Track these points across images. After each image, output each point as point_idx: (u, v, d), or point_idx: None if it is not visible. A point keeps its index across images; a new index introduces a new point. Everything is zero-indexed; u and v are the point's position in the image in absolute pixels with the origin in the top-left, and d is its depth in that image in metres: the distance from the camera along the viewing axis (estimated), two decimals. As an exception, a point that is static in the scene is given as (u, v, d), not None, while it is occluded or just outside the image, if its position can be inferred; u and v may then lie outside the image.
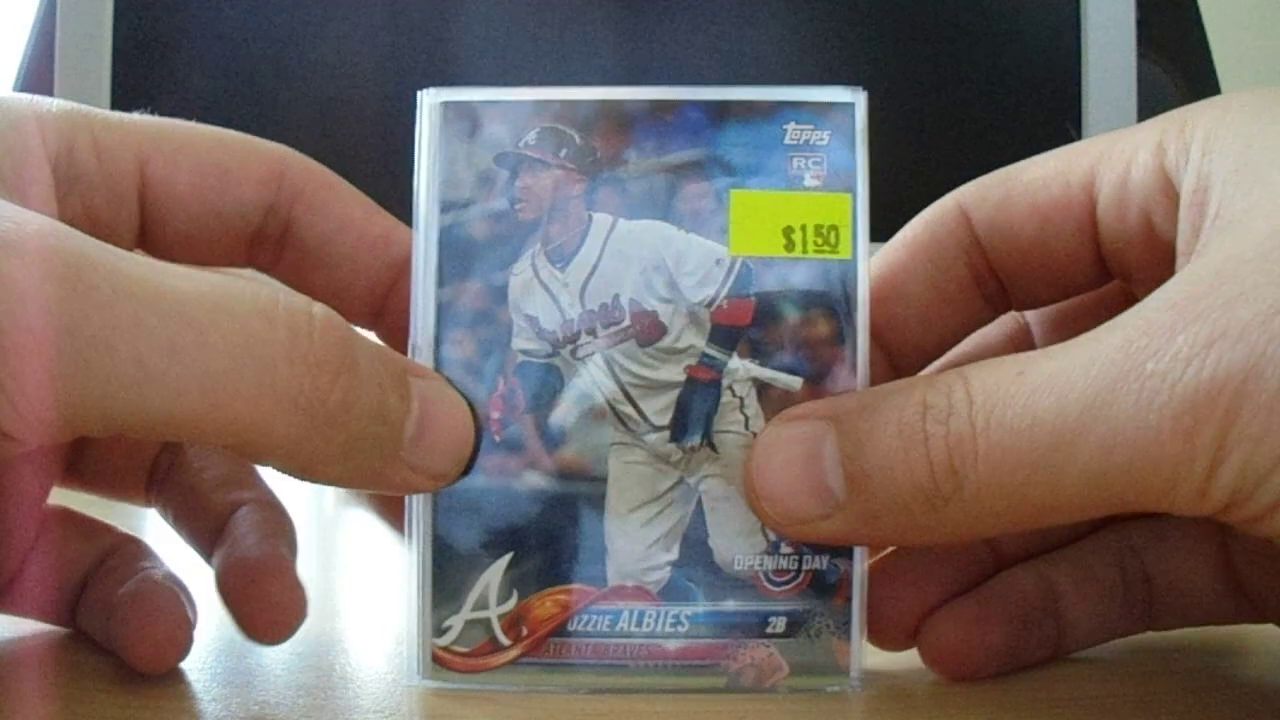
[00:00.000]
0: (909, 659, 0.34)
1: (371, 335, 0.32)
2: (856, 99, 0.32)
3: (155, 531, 0.37)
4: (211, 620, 0.33)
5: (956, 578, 0.34)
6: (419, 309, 0.31)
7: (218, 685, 0.32)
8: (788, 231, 0.31)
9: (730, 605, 0.31)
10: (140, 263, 0.26)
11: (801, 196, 0.31)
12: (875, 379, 0.31)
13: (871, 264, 0.32)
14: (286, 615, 0.33)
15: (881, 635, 0.33)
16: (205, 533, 0.35)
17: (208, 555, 0.35)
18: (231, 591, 0.33)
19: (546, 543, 0.31)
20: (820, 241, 0.31)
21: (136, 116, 0.33)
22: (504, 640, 0.31)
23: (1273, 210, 0.27)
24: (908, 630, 0.33)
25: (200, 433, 0.26)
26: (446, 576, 0.31)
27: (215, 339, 0.25)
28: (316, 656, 0.34)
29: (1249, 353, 0.25)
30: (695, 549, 0.31)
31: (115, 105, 0.60)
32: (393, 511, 0.33)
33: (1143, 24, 0.62)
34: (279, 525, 0.35)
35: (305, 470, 0.28)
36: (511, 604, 0.31)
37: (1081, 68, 0.62)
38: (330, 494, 0.44)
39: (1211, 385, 0.25)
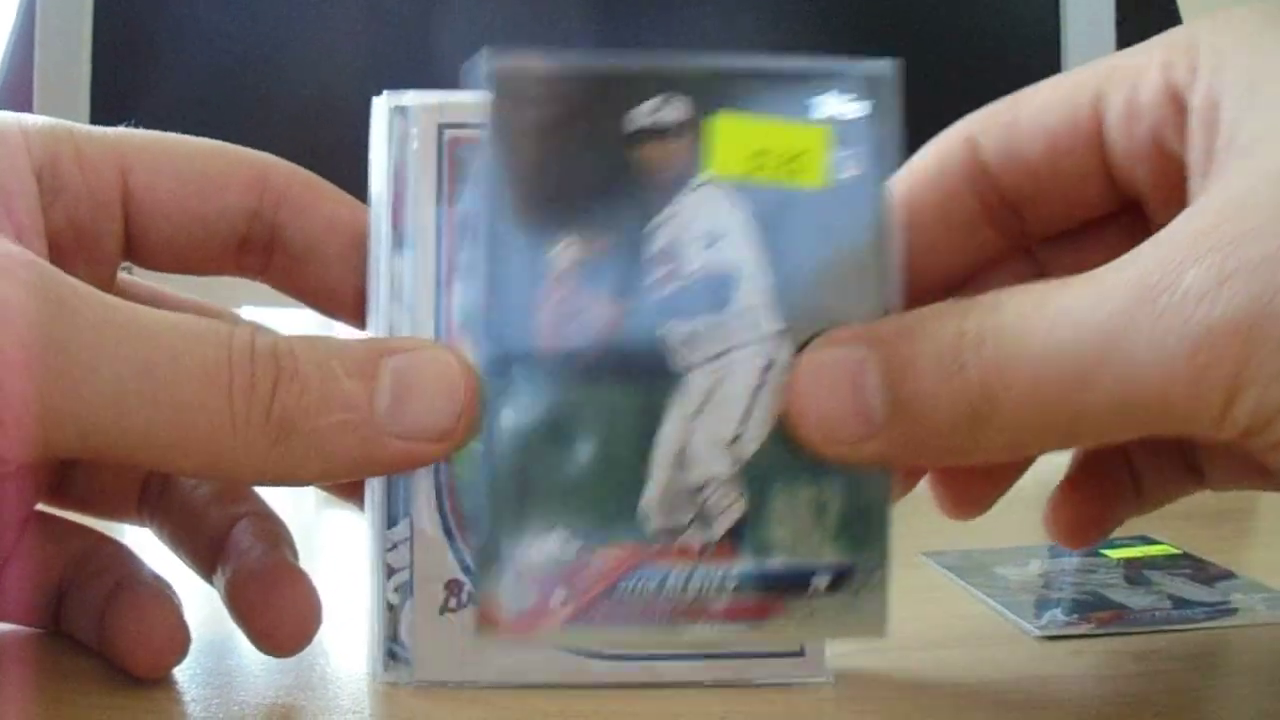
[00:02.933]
0: (886, 655, 0.34)
1: (370, 332, 0.33)
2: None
3: (132, 533, 0.37)
4: (190, 621, 0.33)
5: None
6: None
7: (196, 686, 0.32)
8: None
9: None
10: (115, 297, 0.28)
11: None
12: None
13: None
14: (304, 623, 0.33)
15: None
16: (204, 550, 0.35)
17: (208, 572, 0.35)
18: (243, 604, 0.33)
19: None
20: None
21: (118, 129, 0.33)
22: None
23: (1275, 140, 0.27)
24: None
25: (169, 455, 0.28)
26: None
27: (185, 364, 0.27)
28: (296, 658, 0.33)
29: (1262, 290, 0.25)
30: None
31: (95, 112, 0.60)
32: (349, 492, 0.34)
33: (1122, 24, 0.63)
34: (280, 535, 0.35)
35: (282, 478, 0.29)
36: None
37: (1062, 65, 0.62)
38: (310, 496, 0.44)
39: (1224, 323, 0.25)
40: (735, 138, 0.31)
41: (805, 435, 0.30)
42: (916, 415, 0.29)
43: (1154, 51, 0.31)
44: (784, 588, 0.31)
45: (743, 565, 0.31)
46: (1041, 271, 0.35)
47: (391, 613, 0.32)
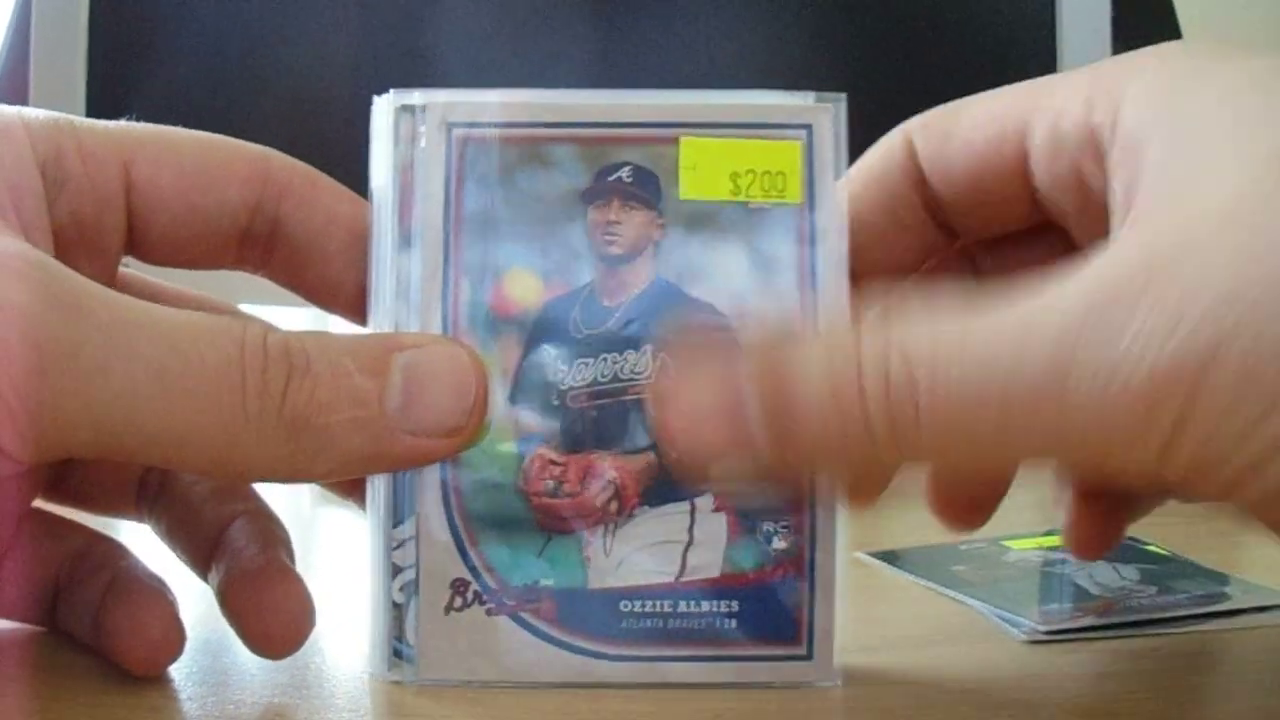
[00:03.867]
0: (887, 655, 0.34)
1: (373, 329, 0.33)
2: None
3: (128, 530, 0.37)
4: (185, 620, 0.33)
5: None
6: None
7: (192, 684, 0.32)
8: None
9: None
10: (127, 297, 0.28)
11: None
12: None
13: None
14: (297, 625, 0.32)
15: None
16: (200, 547, 0.35)
17: (203, 569, 0.35)
18: (236, 604, 0.33)
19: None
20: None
21: (119, 123, 0.33)
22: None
23: (1217, 177, 0.27)
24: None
25: (183, 453, 0.28)
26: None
27: (197, 363, 0.27)
28: (291, 656, 0.33)
29: (1208, 339, 0.24)
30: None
31: (91, 106, 0.60)
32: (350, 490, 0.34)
33: (1118, 23, 0.63)
34: (276, 535, 0.35)
35: (293, 476, 0.30)
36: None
37: (1057, 67, 0.62)
38: (307, 493, 0.44)
39: (1170, 371, 0.25)
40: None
41: (675, 462, 0.30)
42: (801, 446, 0.28)
43: (1079, 86, 0.31)
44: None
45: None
46: (978, 275, 0.36)
47: (396, 611, 0.32)
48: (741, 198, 0.32)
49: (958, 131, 0.33)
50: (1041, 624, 0.37)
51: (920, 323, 0.27)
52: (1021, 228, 0.34)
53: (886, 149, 0.34)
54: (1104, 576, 0.42)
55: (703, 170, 0.31)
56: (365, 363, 0.29)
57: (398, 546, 0.31)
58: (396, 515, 0.31)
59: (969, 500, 0.36)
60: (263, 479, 0.30)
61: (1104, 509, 0.36)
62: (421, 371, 0.30)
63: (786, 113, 0.32)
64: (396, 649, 0.32)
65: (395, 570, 0.31)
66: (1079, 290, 0.26)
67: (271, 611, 0.32)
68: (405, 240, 0.32)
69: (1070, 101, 0.31)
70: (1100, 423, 0.25)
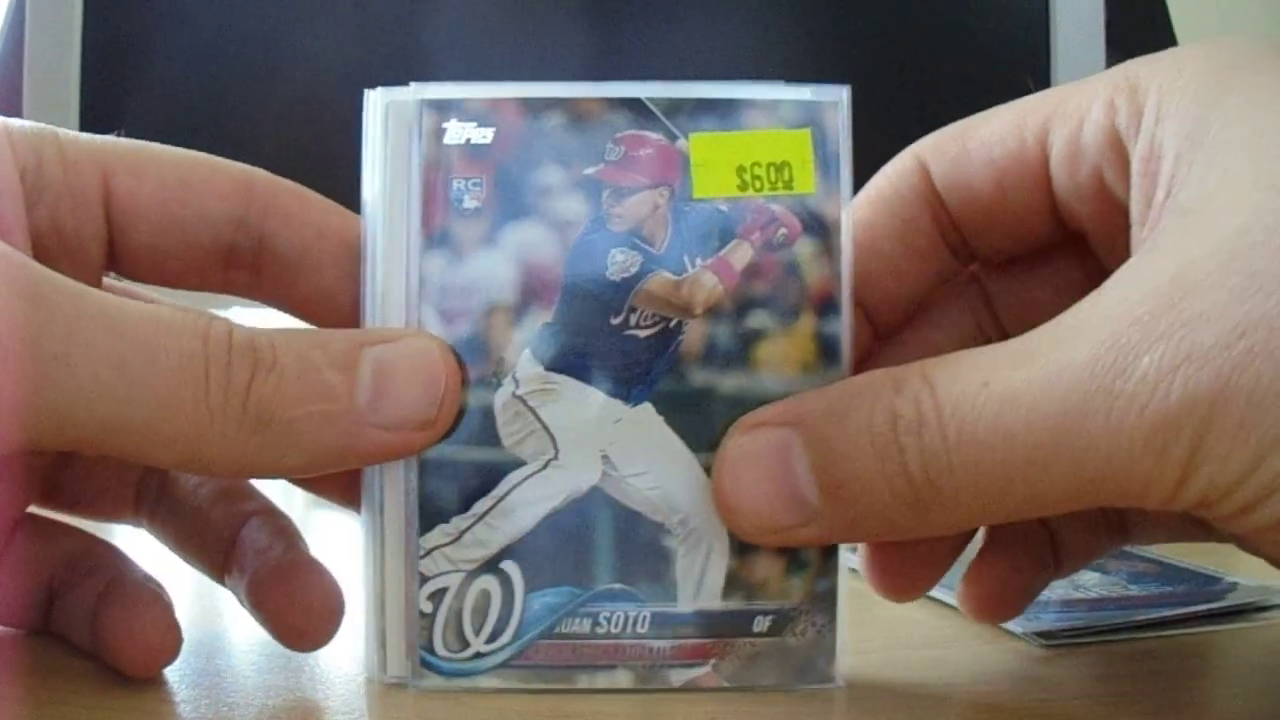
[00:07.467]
0: (884, 658, 0.34)
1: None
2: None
3: (122, 534, 0.37)
4: (181, 622, 0.33)
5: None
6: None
7: (187, 686, 0.32)
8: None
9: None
10: (93, 289, 0.28)
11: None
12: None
13: None
14: (332, 616, 0.33)
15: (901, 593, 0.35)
16: (214, 550, 0.35)
17: (219, 572, 0.35)
18: (269, 601, 0.33)
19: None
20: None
21: (102, 136, 0.33)
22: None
23: (1230, 202, 0.27)
24: (918, 589, 0.35)
25: (147, 446, 0.28)
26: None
27: (161, 356, 0.27)
28: (286, 657, 0.33)
29: (1215, 377, 0.25)
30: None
31: (84, 116, 0.60)
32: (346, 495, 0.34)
33: (1111, 24, 0.63)
34: (293, 532, 0.35)
35: (263, 470, 0.29)
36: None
37: (1051, 68, 0.62)
38: (300, 496, 0.44)
39: (1180, 409, 0.25)
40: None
41: (737, 526, 0.30)
42: (852, 500, 0.28)
43: (1100, 89, 0.31)
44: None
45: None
46: (988, 300, 0.36)
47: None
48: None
49: (974, 147, 0.33)
50: (1038, 627, 0.37)
51: (944, 372, 0.28)
52: (1039, 245, 0.34)
53: (895, 172, 0.34)
54: (1099, 580, 0.42)
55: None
56: (334, 357, 0.29)
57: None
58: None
59: (908, 576, 0.35)
60: (233, 473, 0.30)
61: (1009, 570, 0.35)
62: (391, 365, 0.30)
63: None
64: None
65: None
66: (1095, 330, 0.27)
67: (306, 605, 0.33)
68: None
69: (1092, 106, 0.31)
70: (1116, 465, 0.26)
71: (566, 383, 0.31)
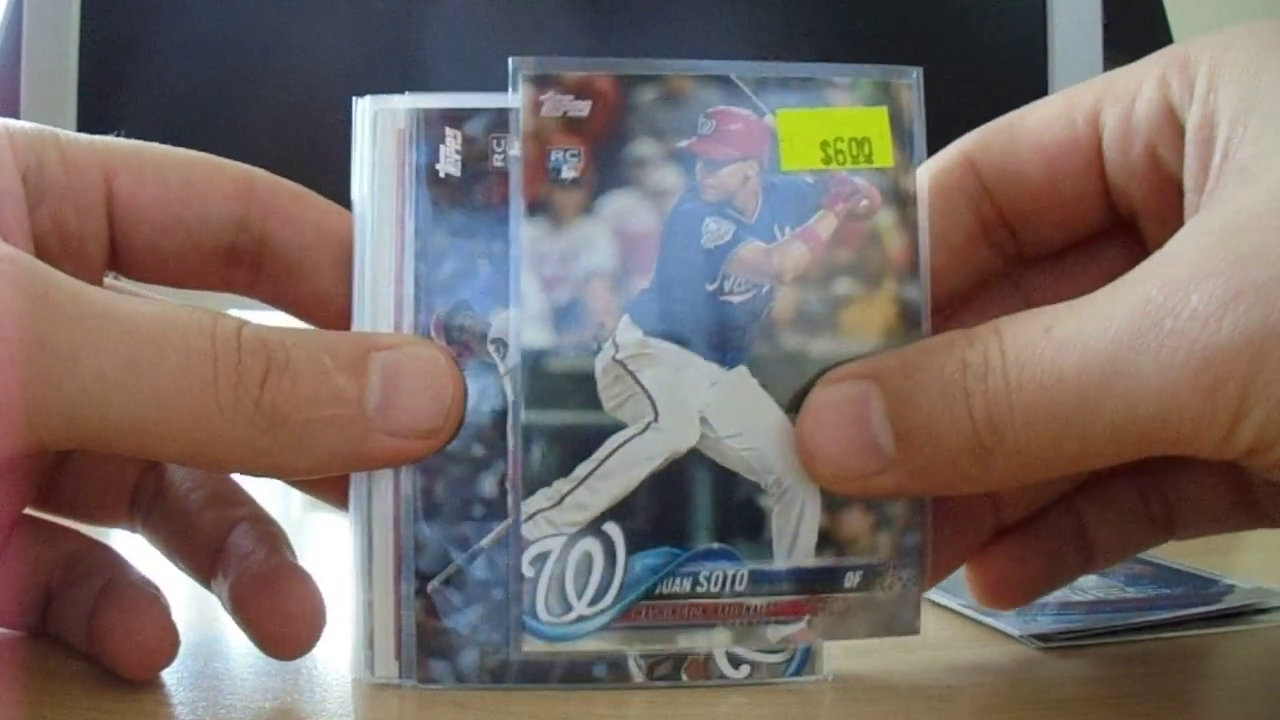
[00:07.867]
0: (878, 653, 0.34)
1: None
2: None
3: (121, 535, 0.37)
4: (178, 624, 0.33)
5: (994, 523, 0.35)
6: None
7: (184, 689, 0.32)
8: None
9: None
10: (99, 289, 0.28)
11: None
12: None
13: None
14: (313, 624, 0.33)
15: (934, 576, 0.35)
16: (201, 554, 0.35)
17: (206, 576, 0.35)
18: (249, 608, 0.33)
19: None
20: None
21: (103, 137, 0.33)
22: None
23: (1277, 161, 0.27)
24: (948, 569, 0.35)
25: (155, 443, 0.28)
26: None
27: (168, 355, 0.27)
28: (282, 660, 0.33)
29: (1267, 312, 0.25)
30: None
31: (82, 117, 0.60)
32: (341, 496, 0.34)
33: (1109, 25, 0.63)
34: (280, 537, 0.35)
35: (271, 470, 0.30)
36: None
37: (1048, 68, 0.62)
38: (298, 498, 0.44)
39: (1230, 345, 0.25)
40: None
41: (817, 473, 0.31)
42: (923, 447, 0.29)
43: (1150, 68, 0.31)
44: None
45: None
46: (1026, 300, 0.36)
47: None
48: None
49: (1024, 136, 0.33)
50: (1035, 630, 0.37)
51: (1012, 323, 0.28)
52: (1088, 233, 0.34)
53: (939, 170, 0.34)
54: (1096, 582, 0.42)
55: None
56: (343, 362, 0.29)
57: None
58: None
59: (1013, 586, 0.36)
60: (241, 471, 0.30)
61: (1026, 555, 0.36)
62: (399, 372, 0.30)
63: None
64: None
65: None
66: (1150, 274, 0.27)
67: (286, 613, 0.33)
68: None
69: (1143, 83, 0.31)
70: (1166, 405, 0.26)
71: (665, 347, 0.31)
